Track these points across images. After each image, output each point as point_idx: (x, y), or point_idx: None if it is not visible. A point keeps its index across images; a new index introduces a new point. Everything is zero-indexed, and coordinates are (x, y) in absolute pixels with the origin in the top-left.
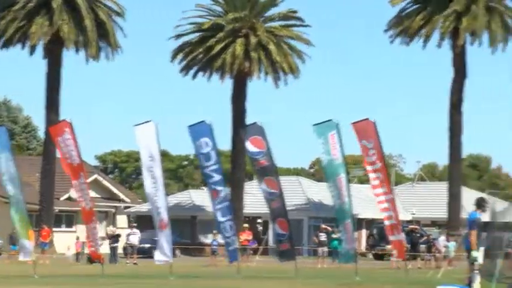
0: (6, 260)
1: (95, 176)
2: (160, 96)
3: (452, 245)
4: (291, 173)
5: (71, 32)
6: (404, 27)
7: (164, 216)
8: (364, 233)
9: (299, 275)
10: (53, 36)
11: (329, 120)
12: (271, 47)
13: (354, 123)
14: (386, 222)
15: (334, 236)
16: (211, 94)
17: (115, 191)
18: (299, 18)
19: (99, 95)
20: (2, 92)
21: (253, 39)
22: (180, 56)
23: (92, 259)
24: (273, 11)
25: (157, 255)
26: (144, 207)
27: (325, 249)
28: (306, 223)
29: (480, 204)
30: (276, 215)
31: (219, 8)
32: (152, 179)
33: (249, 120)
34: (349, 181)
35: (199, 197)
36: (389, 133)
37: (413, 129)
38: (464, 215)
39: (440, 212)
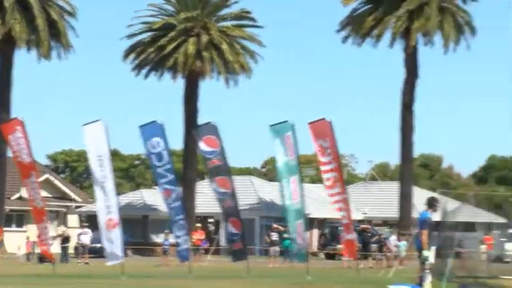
0: None
1: (46, 175)
2: (113, 95)
3: (403, 244)
4: (243, 172)
5: (23, 32)
6: (356, 28)
7: (115, 215)
8: (315, 232)
9: (251, 275)
10: (5, 36)
11: (285, 121)
12: (224, 46)
13: (310, 123)
14: (342, 222)
15: (286, 235)
16: (164, 94)
17: (66, 190)
18: (252, 19)
19: (51, 95)
20: None
21: (205, 39)
22: (132, 56)
23: (43, 259)
24: (225, 11)
25: (108, 256)
26: (95, 207)
27: (277, 248)
28: (257, 223)
29: (431, 203)
30: (229, 214)
31: (171, 8)
32: (102, 178)
33: (201, 120)
34: (302, 181)
35: (151, 196)
36: (342, 133)
37: (365, 129)
38: (415, 214)
39: (392, 211)
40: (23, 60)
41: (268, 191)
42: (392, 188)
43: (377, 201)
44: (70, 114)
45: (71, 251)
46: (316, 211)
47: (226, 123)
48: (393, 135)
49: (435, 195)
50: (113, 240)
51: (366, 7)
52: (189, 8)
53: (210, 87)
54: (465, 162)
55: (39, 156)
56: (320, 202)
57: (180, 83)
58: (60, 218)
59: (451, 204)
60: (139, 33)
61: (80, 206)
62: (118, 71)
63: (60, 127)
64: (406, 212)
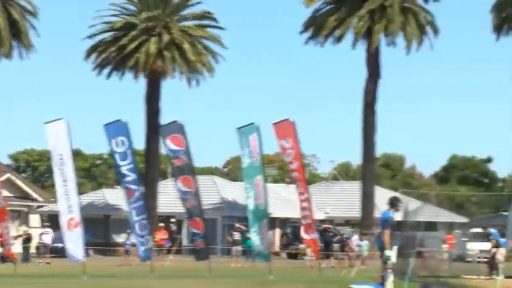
0: None
1: (8, 175)
2: (74, 95)
3: (365, 244)
4: (205, 172)
5: None
6: (318, 28)
7: (77, 215)
8: (277, 232)
9: (213, 274)
10: None
11: (251, 124)
12: (185, 46)
13: (275, 123)
14: (303, 222)
15: (248, 235)
16: (126, 93)
17: (28, 190)
18: (213, 19)
19: (12, 94)
20: None
21: (166, 38)
22: (94, 55)
23: (5, 258)
24: (187, 11)
25: (70, 255)
26: (56, 207)
27: (239, 248)
28: (220, 222)
29: (393, 203)
30: (192, 214)
31: (132, 7)
32: (63, 177)
33: (163, 119)
34: (265, 181)
35: (113, 196)
36: (304, 133)
37: (328, 129)
38: (377, 214)
39: (354, 211)
40: None
41: (230, 191)
42: (355, 187)
43: (339, 201)
44: (32, 114)
45: (32, 250)
46: (278, 211)
47: (189, 122)
48: (355, 135)
49: (397, 195)
50: (75, 240)
51: (328, 7)
52: (150, 8)
53: (173, 87)
54: (427, 162)
55: (0, 155)
56: (282, 202)
57: (142, 82)
58: (21, 217)
59: (413, 204)
60: (101, 32)
61: (42, 206)
62: (80, 70)
63: (22, 127)
64: (368, 212)
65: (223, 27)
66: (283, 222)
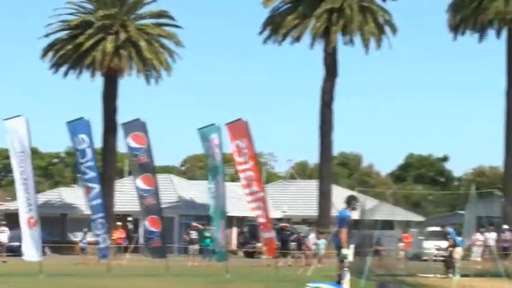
0: None
1: None
2: (32, 94)
3: (322, 242)
4: (163, 170)
5: None
6: (276, 27)
7: (35, 213)
8: (234, 230)
9: (170, 273)
10: None
11: (212, 124)
12: (142, 43)
13: (228, 123)
14: (260, 220)
15: (206, 234)
16: (84, 92)
17: None
18: (170, 17)
19: None
20: None
21: (123, 36)
22: (50, 54)
23: None
24: (144, 10)
25: (26, 254)
26: (13, 205)
27: (196, 247)
28: (177, 221)
29: (350, 202)
30: (149, 212)
31: (89, 6)
32: (23, 175)
33: (121, 118)
34: (224, 180)
35: (70, 195)
36: (261, 132)
37: (285, 128)
38: (334, 212)
39: (311, 209)
40: None
41: (187, 190)
42: (312, 186)
43: (296, 200)
44: None
45: None
46: (235, 209)
47: (147, 120)
48: (313, 133)
49: (354, 193)
50: (32, 238)
51: (286, 6)
52: (107, 6)
53: (132, 86)
54: (384, 161)
55: None
56: (239, 200)
57: (99, 81)
58: None
59: (369, 202)
60: (57, 31)
61: None
62: (38, 69)
63: None
64: (325, 211)
65: (180, 25)
66: (240, 221)
